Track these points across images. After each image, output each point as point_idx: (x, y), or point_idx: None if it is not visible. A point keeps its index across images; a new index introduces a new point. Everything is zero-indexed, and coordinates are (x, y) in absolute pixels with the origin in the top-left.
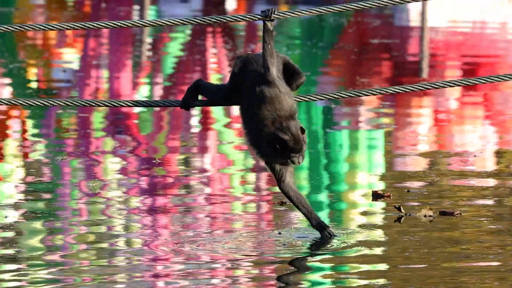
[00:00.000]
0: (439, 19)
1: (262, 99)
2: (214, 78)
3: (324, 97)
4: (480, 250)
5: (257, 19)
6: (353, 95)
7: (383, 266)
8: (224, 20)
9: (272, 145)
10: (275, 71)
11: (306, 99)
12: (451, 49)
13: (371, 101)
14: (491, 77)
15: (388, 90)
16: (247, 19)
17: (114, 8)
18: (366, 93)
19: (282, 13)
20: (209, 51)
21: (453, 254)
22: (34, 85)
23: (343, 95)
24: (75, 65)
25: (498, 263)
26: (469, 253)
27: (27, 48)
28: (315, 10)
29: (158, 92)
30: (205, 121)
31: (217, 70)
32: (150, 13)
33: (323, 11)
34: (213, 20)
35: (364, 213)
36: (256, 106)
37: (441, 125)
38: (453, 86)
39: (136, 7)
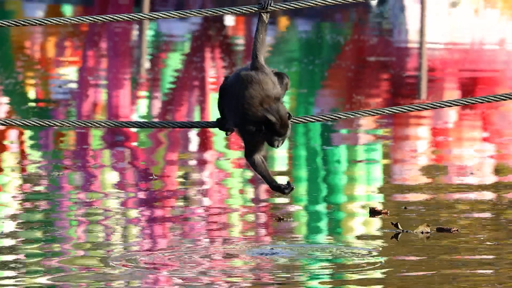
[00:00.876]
0: (438, 37)
1: (248, 81)
2: (212, 96)
3: (322, 118)
4: (477, 266)
5: (253, 11)
6: (349, 116)
7: (380, 279)
8: (222, 12)
9: (258, 125)
10: (262, 59)
11: (304, 120)
12: (449, 66)
13: (368, 117)
14: (489, 97)
15: (384, 111)
16: (244, 11)
17: (112, 25)
18: (363, 113)
19: (279, 5)
20: (208, 68)
21: (450, 264)
22: (31, 101)
23: (340, 117)
24: (73, 81)
25: (492, 270)
26: (465, 270)
27: (24, 63)
28: (311, 3)
29: (156, 108)
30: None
31: (215, 88)
32: (149, 32)
33: (319, 3)
34: (210, 12)
35: (362, 230)
36: (242, 87)
37: (439, 141)
38: (450, 106)
39: (135, 25)
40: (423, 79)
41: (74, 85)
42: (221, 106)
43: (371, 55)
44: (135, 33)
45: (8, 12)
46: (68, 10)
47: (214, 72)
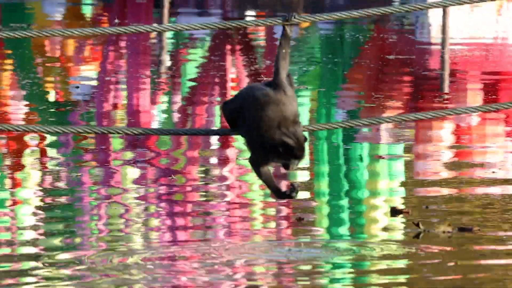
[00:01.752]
0: (461, 34)
1: (266, 101)
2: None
3: (344, 125)
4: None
5: (277, 23)
6: (371, 123)
7: (403, 279)
8: (245, 25)
9: (274, 148)
10: (284, 75)
11: (327, 127)
12: (472, 64)
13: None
14: None
15: (409, 117)
16: (268, 23)
17: (131, 24)
18: (387, 120)
19: (303, 18)
20: (228, 67)
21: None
22: (51, 102)
23: (363, 123)
24: (93, 80)
25: None
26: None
27: (43, 64)
28: (335, 15)
29: (177, 108)
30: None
31: (236, 85)
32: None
33: (343, 15)
34: (234, 25)
35: (383, 229)
36: (260, 107)
37: (462, 140)
38: (474, 112)
39: (155, 24)
40: (446, 77)
41: (93, 85)
42: (230, 113)
43: (392, 53)
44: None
45: (27, 10)
46: (87, 8)
47: (234, 71)
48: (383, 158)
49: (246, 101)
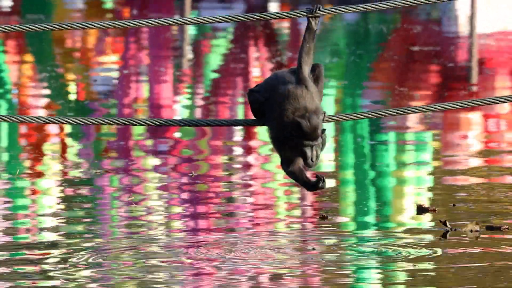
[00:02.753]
0: (488, 25)
1: (288, 95)
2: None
3: (371, 115)
4: None
5: (301, 15)
6: (398, 113)
7: (430, 280)
8: (268, 17)
9: (288, 130)
10: (307, 70)
11: (353, 117)
12: (500, 55)
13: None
14: None
15: (436, 107)
16: (292, 15)
17: (153, 16)
18: (414, 110)
19: (328, 10)
20: (252, 57)
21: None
22: (71, 96)
23: (391, 113)
24: (114, 73)
25: None
26: None
27: (64, 57)
28: (361, 7)
29: (199, 101)
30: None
31: (260, 76)
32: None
33: (369, 8)
34: (257, 17)
35: (409, 228)
36: (281, 101)
37: (491, 135)
38: (504, 102)
39: (177, 15)
40: (474, 69)
41: (114, 78)
42: (258, 113)
43: (419, 44)
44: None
45: (48, 2)
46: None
47: (257, 63)
48: (409, 155)
49: (270, 95)
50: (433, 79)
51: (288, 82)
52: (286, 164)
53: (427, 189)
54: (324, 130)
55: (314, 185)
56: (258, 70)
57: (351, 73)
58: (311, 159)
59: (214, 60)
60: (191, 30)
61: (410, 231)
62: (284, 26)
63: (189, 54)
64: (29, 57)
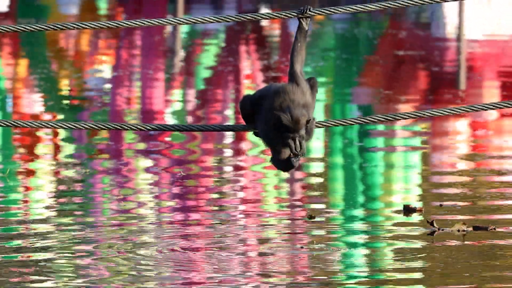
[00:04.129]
0: (476, 31)
1: (278, 91)
2: (247, 90)
3: (360, 121)
4: None
5: (292, 16)
6: (387, 119)
7: (419, 279)
8: (260, 18)
9: (271, 125)
10: (299, 68)
11: (342, 123)
12: (488, 60)
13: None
14: None
15: (425, 113)
16: (283, 16)
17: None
18: (402, 116)
19: (318, 11)
20: (242, 63)
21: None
22: (65, 98)
23: (379, 119)
24: (106, 76)
25: None
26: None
27: (58, 59)
28: (351, 8)
29: (191, 105)
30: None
31: (251, 81)
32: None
33: (359, 9)
34: (248, 17)
35: (396, 228)
36: (271, 97)
37: (478, 138)
38: (492, 109)
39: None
40: (462, 73)
41: (107, 81)
42: (249, 118)
43: (408, 49)
44: (169, 27)
45: (43, 7)
46: (102, 3)
47: (248, 67)
48: (397, 156)
49: (262, 97)
50: (421, 84)
51: (283, 83)
52: (274, 157)
53: (414, 190)
54: (309, 120)
55: (287, 164)
56: (249, 75)
57: (339, 78)
58: (296, 149)
59: (205, 65)
60: (183, 31)
61: (397, 231)
62: (275, 33)
63: (180, 57)
64: (23, 61)
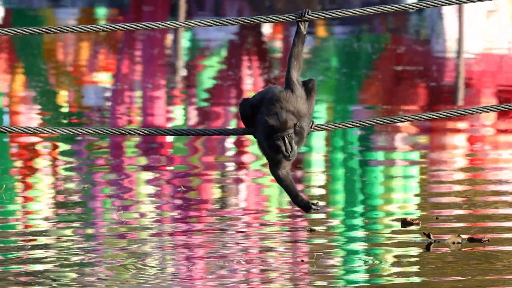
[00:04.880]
0: (476, 46)
1: (274, 98)
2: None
3: (360, 124)
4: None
5: (290, 19)
6: (386, 122)
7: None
8: (259, 21)
9: (260, 130)
10: (295, 74)
11: (342, 126)
12: (487, 75)
13: (406, 127)
14: None
15: (422, 116)
16: (281, 19)
17: (147, 33)
18: (400, 119)
19: (317, 14)
20: (244, 75)
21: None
22: (64, 107)
23: (378, 122)
24: (107, 87)
25: None
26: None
27: (57, 71)
28: (349, 12)
29: (193, 116)
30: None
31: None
32: (185, 38)
33: (358, 12)
34: (247, 21)
35: (394, 240)
36: (267, 104)
37: (475, 152)
38: (487, 112)
39: (170, 31)
40: (460, 88)
41: (108, 92)
42: (248, 121)
43: (408, 64)
44: (170, 38)
45: (40, 18)
46: (101, 13)
47: (250, 79)
48: (396, 170)
49: (260, 102)
50: (420, 99)
51: (279, 90)
52: (272, 166)
53: (412, 203)
54: (296, 124)
55: (305, 205)
56: (251, 85)
57: (339, 93)
58: (286, 151)
59: (207, 78)
60: (185, 43)
61: (395, 243)
62: (277, 40)
63: (182, 69)
64: (20, 71)
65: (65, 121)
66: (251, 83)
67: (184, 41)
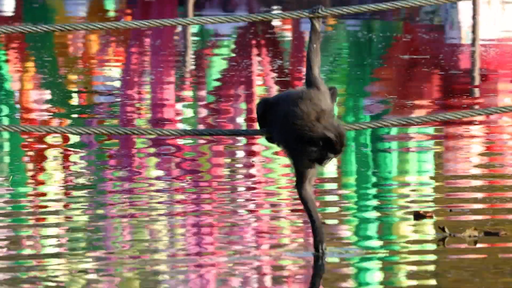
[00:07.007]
0: (491, 34)
1: (299, 97)
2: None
3: (374, 125)
4: None
5: (304, 16)
6: (401, 123)
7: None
8: (271, 18)
9: (314, 143)
10: (317, 71)
11: (355, 127)
12: (502, 64)
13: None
14: None
15: (438, 117)
16: (295, 16)
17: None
18: (417, 120)
19: (330, 10)
20: (254, 67)
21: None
22: (73, 102)
23: (393, 123)
24: (116, 79)
25: None
26: None
27: (66, 62)
28: (363, 8)
29: (202, 110)
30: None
31: (263, 85)
32: (194, 29)
33: (372, 8)
34: (259, 17)
35: (407, 234)
36: (293, 102)
37: (492, 144)
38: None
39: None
40: (476, 77)
41: (117, 84)
42: (263, 121)
43: (422, 53)
44: (179, 29)
45: (49, 9)
46: (110, 4)
47: (260, 71)
48: (409, 159)
49: (281, 98)
50: (435, 87)
51: (302, 89)
52: (300, 183)
53: (424, 195)
54: (345, 134)
55: (315, 249)
56: (261, 80)
57: (351, 81)
58: (325, 164)
59: (216, 69)
60: (193, 34)
61: (409, 237)
62: (287, 31)
63: (191, 61)
64: (31, 65)
65: (75, 115)
66: (261, 74)
67: (193, 31)
